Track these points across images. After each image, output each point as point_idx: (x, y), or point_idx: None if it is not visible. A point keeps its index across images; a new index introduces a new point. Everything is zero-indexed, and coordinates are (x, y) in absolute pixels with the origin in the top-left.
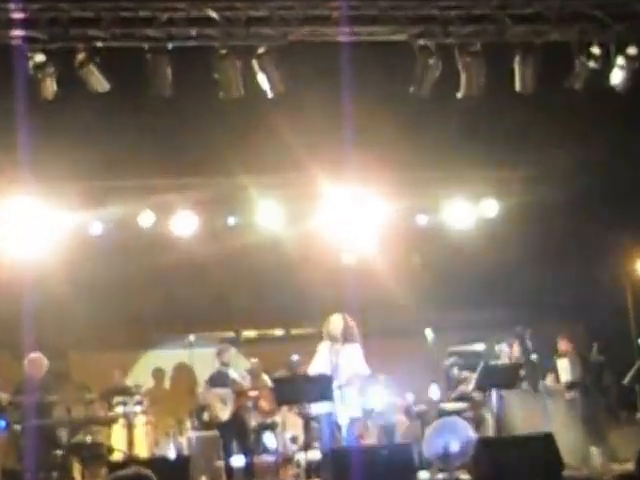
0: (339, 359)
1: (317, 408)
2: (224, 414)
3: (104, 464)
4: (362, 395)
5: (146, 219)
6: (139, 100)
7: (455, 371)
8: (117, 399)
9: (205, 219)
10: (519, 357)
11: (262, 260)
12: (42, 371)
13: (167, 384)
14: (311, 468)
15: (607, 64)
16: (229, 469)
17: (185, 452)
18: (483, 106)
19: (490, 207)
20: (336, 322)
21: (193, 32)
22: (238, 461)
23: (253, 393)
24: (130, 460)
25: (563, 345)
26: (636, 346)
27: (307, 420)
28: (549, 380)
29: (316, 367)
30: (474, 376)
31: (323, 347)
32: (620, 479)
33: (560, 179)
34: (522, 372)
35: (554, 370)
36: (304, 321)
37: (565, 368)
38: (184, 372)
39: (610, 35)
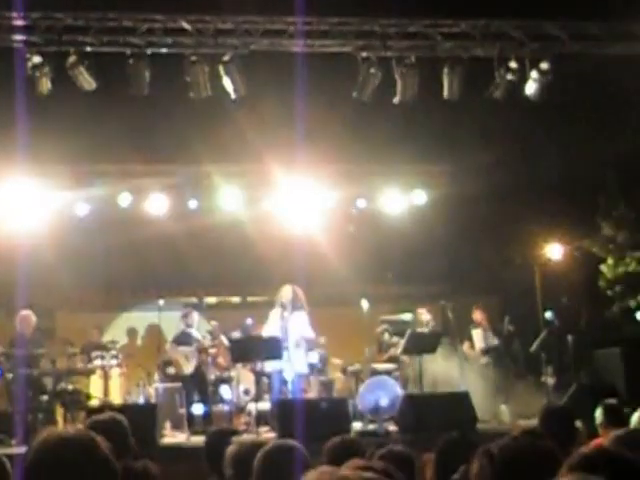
0: (288, 324)
1: (268, 365)
2: (187, 368)
3: (83, 409)
4: (306, 355)
5: (124, 199)
6: (121, 97)
7: (386, 337)
8: (96, 353)
9: (175, 201)
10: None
11: (223, 237)
12: (31, 327)
13: (139, 342)
14: (261, 417)
15: (523, 77)
16: (190, 416)
17: (153, 400)
18: (416, 110)
19: (419, 196)
20: (286, 292)
21: (169, 40)
22: (198, 409)
23: (212, 351)
24: (105, 406)
25: (477, 316)
26: (542, 319)
27: (258, 375)
28: (465, 346)
29: (269, 330)
30: (402, 341)
31: (274, 313)
32: (523, 433)
33: (479, 174)
34: (444, 339)
35: (469, 338)
36: (258, 290)
37: (479, 336)
38: (154, 332)
39: (526, 52)
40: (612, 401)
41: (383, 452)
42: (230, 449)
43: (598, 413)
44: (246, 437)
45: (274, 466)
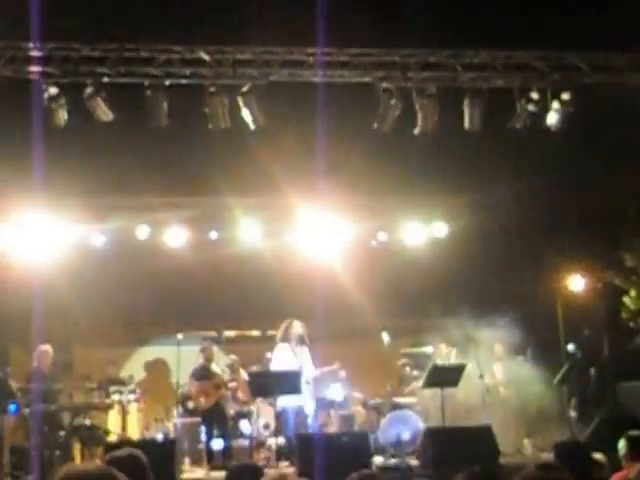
0: (303, 358)
1: (282, 401)
2: (206, 403)
3: (101, 445)
4: (326, 389)
5: (142, 232)
6: (138, 129)
7: (407, 370)
8: (113, 388)
9: (193, 233)
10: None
11: (242, 270)
12: (49, 362)
13: (157, 376)
14: (281, 451)
15: (544, 107)
16: (209, 451)
17: (171, 436)
18: (436, 142)
19: (440, 229)
20: (299, 327)
21: (187, 71)
22: (217, 444)
23: (232, 385)
24: (124, 442)
25: (498, 349)
26: (565, 351)
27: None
28: (487, 379)
29: (280, 365)
30: (424, 374)
31: (284, 348)
32: (539, 468)
33: (500, 206)
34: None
35: (491, 371)
36: (277, 324)
37: (499, 369)
38: (172, 366)
39: (547, 82)
40: (636, 432)
41: None
42: None
43: (621, 445)
44: (270, 474)
45: None
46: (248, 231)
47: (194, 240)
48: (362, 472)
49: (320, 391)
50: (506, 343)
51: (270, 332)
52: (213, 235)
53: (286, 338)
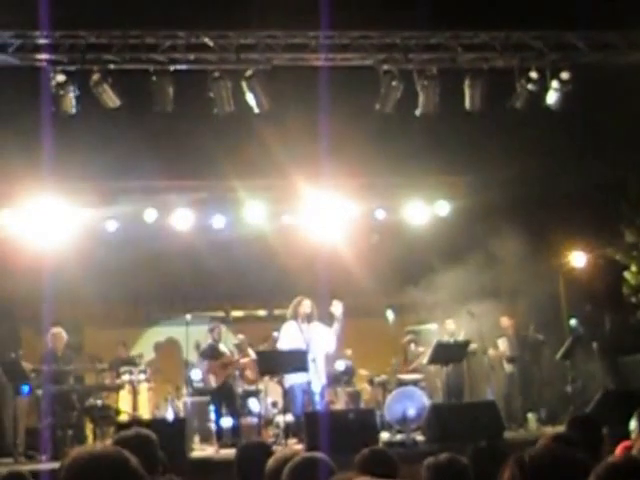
0: (311, 336)
1: (289, 379)
2: (215, 382)
3: (112, 424)
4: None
5: (150, 215)
6: (145, 114)
7: (412, 347)
8: (124, 369)
9: (200, 216)
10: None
11: (248, 251)
12: (62, 344)
13: (166, 356)
14: (289, 429)
15: (543, 87)
16: (219, 429)
17: (181, 414)
18: (438, 122)
19: (442, 207)
20: (307, 305)
21: (191, 57)
22: (227, 423)
23: (240, 364)
24: (134, 421)
25: (505, 323)
26: (567, 326)
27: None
28: (491, 352)
29: (288, 343)
30: (428, 351)
31: (292, 326)
32: (553, 439)
33: (502, 184)
34: (471, 346)
35: (495, 345)
36: (284, 303)
37: (504, 344)
38: (181, 346)
39: (546, 62)
40: None
41: (434, 461)
42: (268, 464)
43: (633, 421)
44: (281, 450)
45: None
46: (253, 213)
47: (201, 222)
48: (373, 448)
49: (329, 365)
50: (511, 316)
51: (276, 311)
52: (219, 217)
53: (294, 315)
